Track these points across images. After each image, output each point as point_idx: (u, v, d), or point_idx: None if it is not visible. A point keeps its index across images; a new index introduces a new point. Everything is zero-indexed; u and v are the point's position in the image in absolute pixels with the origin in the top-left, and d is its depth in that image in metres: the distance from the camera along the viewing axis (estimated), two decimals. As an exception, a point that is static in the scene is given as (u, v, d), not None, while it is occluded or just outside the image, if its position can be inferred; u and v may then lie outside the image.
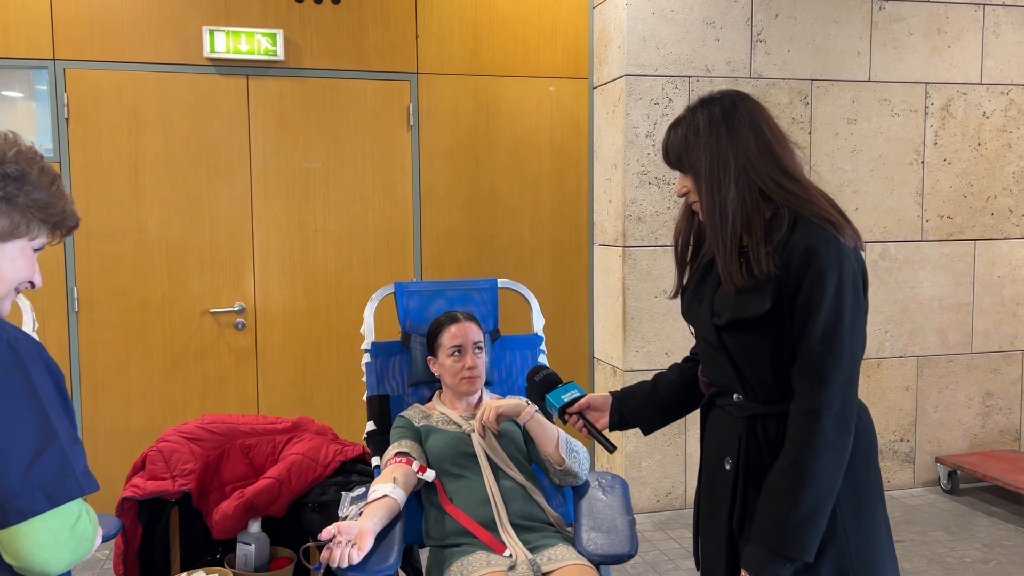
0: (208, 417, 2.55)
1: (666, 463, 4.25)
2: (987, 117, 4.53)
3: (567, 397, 2.00)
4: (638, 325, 4.15)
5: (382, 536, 1.95)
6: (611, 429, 1.98)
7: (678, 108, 4.12)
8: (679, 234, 1.88)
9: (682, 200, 1.85)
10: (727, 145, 1.70)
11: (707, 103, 1.75)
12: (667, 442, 4.24)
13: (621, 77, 4.10)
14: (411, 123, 4.28)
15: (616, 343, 4.22)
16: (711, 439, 1.81)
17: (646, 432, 2.00)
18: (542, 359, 2.65)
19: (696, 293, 1.81)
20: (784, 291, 1.60)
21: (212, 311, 4.12)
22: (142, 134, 4.00)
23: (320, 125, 4.19)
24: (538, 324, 2.68)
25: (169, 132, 4.03)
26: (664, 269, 4.16)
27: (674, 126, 1.79)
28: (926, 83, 4.43)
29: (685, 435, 4.26)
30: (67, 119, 3.91)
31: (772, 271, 1.61)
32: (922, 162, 4.45)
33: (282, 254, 4.20)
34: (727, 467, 1.72)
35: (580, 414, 1.95)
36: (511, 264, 4.42)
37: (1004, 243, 4.60)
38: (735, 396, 1.72)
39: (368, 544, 1.87)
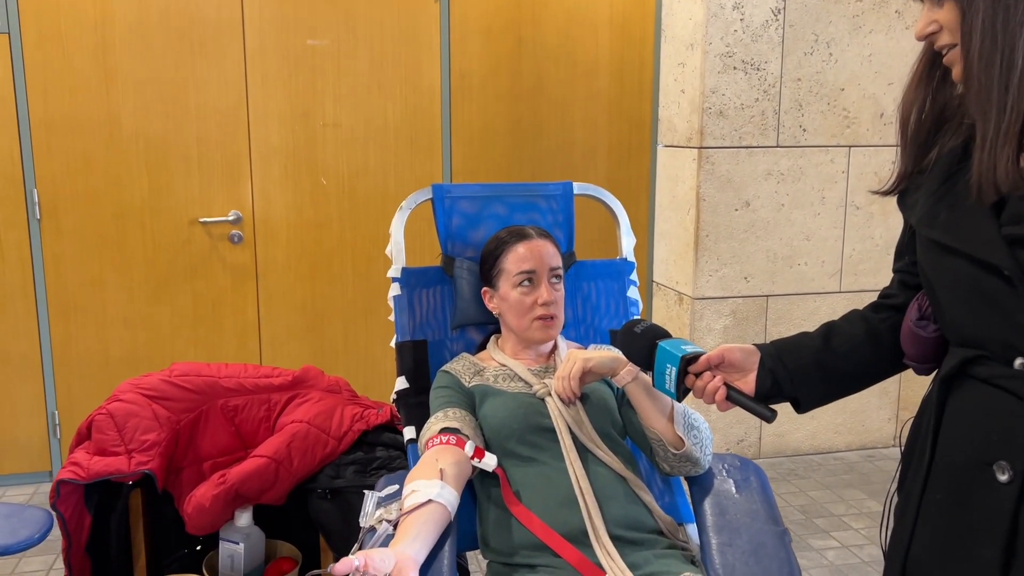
0: (178, 367, 1.89)
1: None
2: None
3: (689, 349, 1.35)
4: (713, 244, 3.44)
5: (426, 565, 1.30)
6: (756, 397, 1.32)
7: (774, -26, 3.30)
8: (909, 104, 1.19)
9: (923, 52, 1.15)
10: None
11: None
12: (741, 382, 3.58)
13: (704, -67, 3.27)
14: (440, -8, 3.49)
15: (684, 265, 3.52)
16: (961, 431, 1.13)
17: (803, 408, 1.34)
18: (633, 294, 1.96)
19: (947, 193, 1.12)
20: None
21: (202, 221, 3.43)
22: (110, 2, 3.23)
23: (329, -7, 3.41)
24: (627, 245, 1.98)
25: (143, 0, 3.26)
26: (749, 176, 3.42)
27: None
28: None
29: (763, 374, 3.60)
30: (15, -20, 3.15)
31: None
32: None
33: (284, 153, 3.48)
34: (1002, 477, 1.06)
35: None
36: (558, 169, 3.69)
37: None
38: (1018, 362, 1.05)
39: (410, 588, 1.23)
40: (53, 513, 1.60)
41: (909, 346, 1.24)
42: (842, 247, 3.58)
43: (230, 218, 3.45)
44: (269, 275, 3.54)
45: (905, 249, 1.27)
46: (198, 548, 2.03)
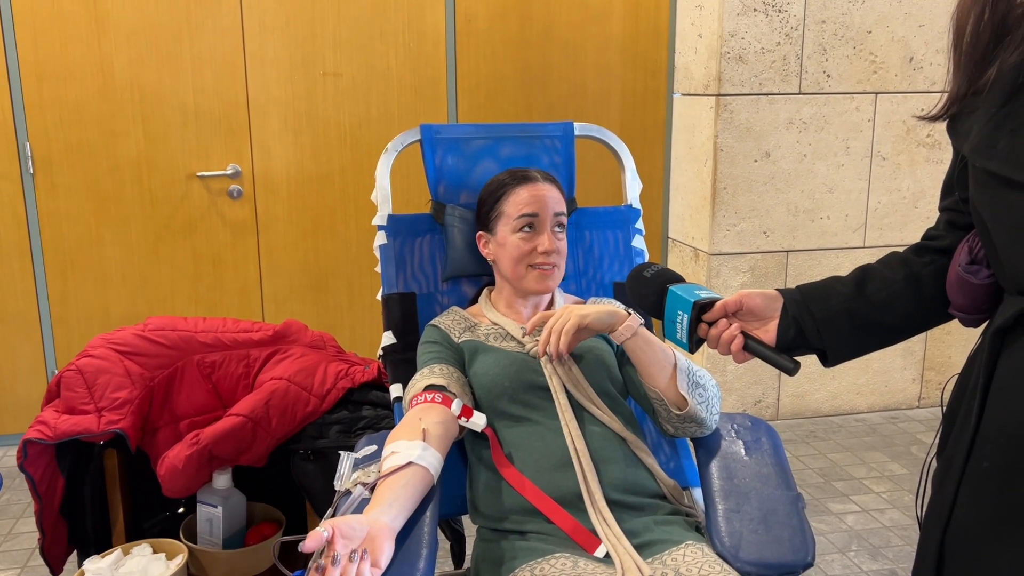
0: (153, 321, 1.79)
1: (758, 365, 3.48)
2: None
3: (703, 294, 1.22)
4: (731, 197, 3.29)
5: (405, 532, 1.20)
6: (778, 348, 1.19)
7: (798, -94, 3.10)
8: (965, 13, 1.02)
9: None
10: None
11: None
12: (759, 341, 3.45)
13: None
14: (444, -69, 3.31)
15: (700, 219, 3.37)
16: (1015, 391, 0.98)
17: (830, 362, 1.21)
18: (639, 244, 1.83)
19: (1007, 117, 0.96)
20: None
21: (200, 175, 3.32)
22: (98, -57, 3.10)
23: (327, -67, 3.25)
24: (633, 190, 1.84)
25: (133, -59, 3.13)
26: (769, 125, 3.25)
27: None
28: None
29: (782, 333, 3.46)
30: (-2, -79, 3.01)
31: None
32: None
33: (283, 104, 3.35)
34: None
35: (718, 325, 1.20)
36: (569, 118, 3.53)
37: None
38: None
39: (385, 558, 1.12)
40: (22, 474, 1.51)
41: (957, 294, 1.09)
42: (867, 200, 3.41)
43: (228, 172, 3.33)
44: (270, 231, 3.43)
45: (954, 183, 1.10)
46: (180, 511, 1.95)
